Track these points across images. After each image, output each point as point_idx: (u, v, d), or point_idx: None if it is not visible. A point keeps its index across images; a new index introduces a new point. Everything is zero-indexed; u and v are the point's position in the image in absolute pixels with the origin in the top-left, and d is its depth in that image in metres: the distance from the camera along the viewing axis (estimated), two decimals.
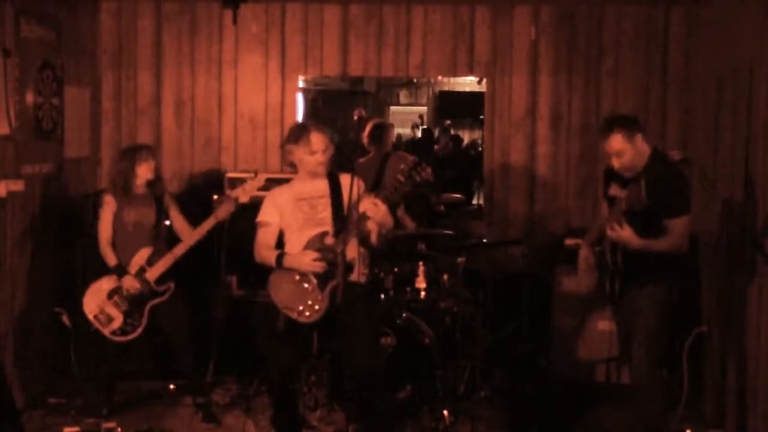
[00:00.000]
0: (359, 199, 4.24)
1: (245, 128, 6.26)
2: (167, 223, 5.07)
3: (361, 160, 6.10)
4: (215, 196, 5.49)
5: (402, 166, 4.21)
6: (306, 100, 10.94)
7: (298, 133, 4.36)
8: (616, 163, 4.14)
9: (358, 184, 4.33)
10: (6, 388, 3.88)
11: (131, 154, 4.99)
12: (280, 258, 4.28)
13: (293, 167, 4.49)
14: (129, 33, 6.20)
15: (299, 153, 4.34)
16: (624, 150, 4.08)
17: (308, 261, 4.22)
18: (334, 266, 4.17)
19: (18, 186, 4.91)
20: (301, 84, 6.59)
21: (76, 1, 5.82)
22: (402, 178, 4.14)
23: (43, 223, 5.31)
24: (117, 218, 4.95)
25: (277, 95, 6.25)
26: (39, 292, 5.28)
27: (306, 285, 4.23)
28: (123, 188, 4.93)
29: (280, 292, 4.28)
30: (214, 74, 6.23)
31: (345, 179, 4.31)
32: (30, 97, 5.16)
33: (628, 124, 4.12)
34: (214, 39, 6.20)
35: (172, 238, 5.03)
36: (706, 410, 5.07)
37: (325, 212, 4.31)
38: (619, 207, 4.02)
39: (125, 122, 6.24)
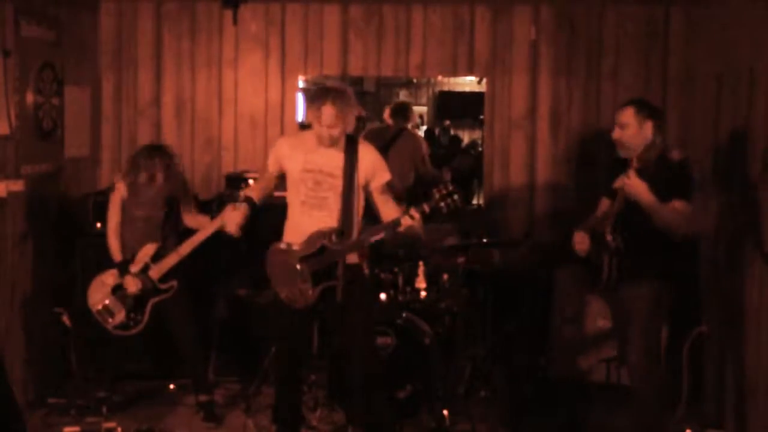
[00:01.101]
0: (371, 172, 4.23)
1: (245, 128, 6.26)
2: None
3: (376, 127, 6.17)
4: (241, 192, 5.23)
5: (434, 192, 3.94)
6: (306, 100, 10.94)
7: (314, 97, 4.15)
8: (617, 133, 4.24)
9: (375, 157, 4.29)
10: (7, 387, 3.88)
11: (151, 157, 4.93)
12: (246, 200, 4.23)
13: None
14: (129, 33, 6.20)
15: (311, 117, 4.18)
16: (629, 124, 4.19)
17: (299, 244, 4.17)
18: (331, 269, 4.15)
19: (18, 186, 4.92)
20: (301, 84, 6.59)
21: (76, 1, 5.82)
22: (427, 209, 3.94)
23: (43, 223, 5.32)
24: (126, 208, 4.93)
25: (277, 95, 6.25)
26: (39, 292, 5.28)
27: (300, 277, 4.16)
28: (134, 185, 4.92)
29: (276, 269, 4.26)
30: (214, 74, 6.23)
31: (362, 149, 4.19)
32: (30, 97, 5.16)
33: (646, 106, 4.23)
34: (214, 39, 6.20)
35: (181, 233, 5.02)
36: (706, 410, 5.07)
37: (329, 193, 4.19)
38: (632, 165, 4.07)
39: (125, 122, 6.24)
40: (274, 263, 4.28)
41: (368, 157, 4.28)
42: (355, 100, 4.21)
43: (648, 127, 4.19)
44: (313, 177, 4.22)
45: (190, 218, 5.05)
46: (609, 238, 4.15)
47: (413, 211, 3.95)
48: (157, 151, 4.98)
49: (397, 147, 6.02)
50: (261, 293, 5.42)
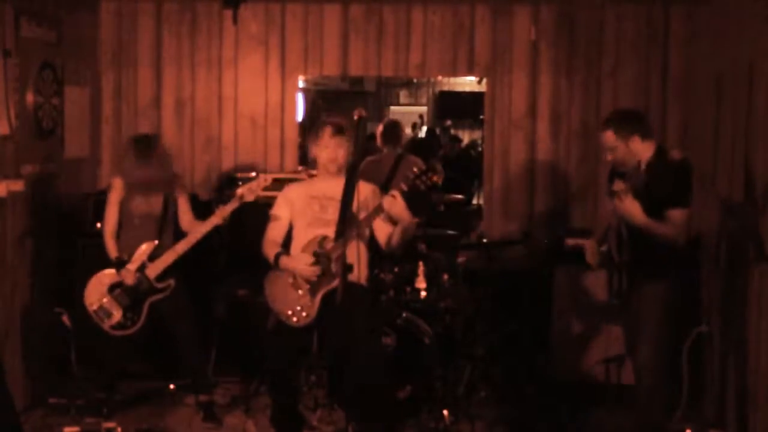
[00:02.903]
0: (369, 203, 4.24)
1: (245, 128, 6.26)
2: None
3: (371, 158, 6.12)
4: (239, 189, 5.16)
5: (407, 173, 4.12)
6: (306, 100, 10.93)
7: (315, 128, 4.38)
8: (609, 157, 4.25)
9: (374, 190, 4.36)
10: (5, 387, 3.87)
11: (136, 148, 4.93)
12: (277, 257, 4.29)
13: (315, 164, 4.49)
14: (129, 33, 6.20)
15: (315, 148, 4.36)
16: (616, 147, 4.19)
17: (303, 266, 4.22)
18: (328, 273, 4.17)
19: (18, 186, 4.92)
20: (301, 84, 6.59)
21: (76, 1, 5.82)
22: (405, 187, 4.08)
23: (43, 223, 5.31)
24: (124, 207, 4.92)
25: (277, 95, 6.25)
26: (39, 292, 5.27)
27: (298, 289, 4.24)
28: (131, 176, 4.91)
29: (273, 291, 4.30)
30: (214, 74, 6.22)
31: (363, 187, 4.22)
32: (30, 97, 5.16)
33: (624, 124, 4.18)
34: (214, 39, 6.20)
35: (178, 232, 4.99)
36: (706, 410, 5.07)
37: (333, 216, 4.26)
38: (626, 184, 4.02)
39: (125, 122, 6.24)
40: (272, 286, 4.32)
41: (367, 188, 4.33)
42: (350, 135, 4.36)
43: (635, 141, 4.16)
44: (319, 202, 4.33)
45: (187, 222, 5.03)
46: (614, 254, 4.16)
47: (393, 192, 4.09)
48: (145, 139, 5.02)
49: (398, 178, 5.97)
50: (261, 292, 5.42)
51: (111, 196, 4.93)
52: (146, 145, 4.92)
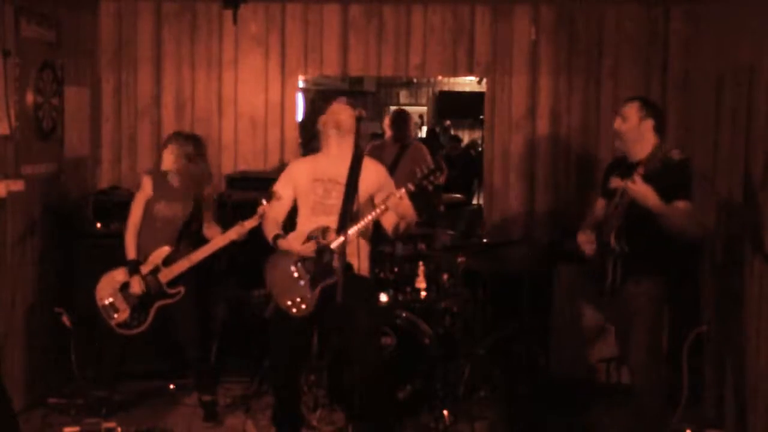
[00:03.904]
0: (375, 184, 4.25)
1: (245, 128, 6.26)
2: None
3: (377, 142, 6.13)
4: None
5: (416, 171, 4.10)
6: (306, 100, 10.93)
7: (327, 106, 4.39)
8: (617, 123, 4.25)
9: (378, 170, 4.34)
10: (3, 389, 3.87)
11: (167, 139, 4.97)
12: (276, 239, 4.27)
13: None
14: (129, 33, 6.20)
15: (321, 124, 4.35)
16: (630, 117, 4.19)
17: (297, 245, 4.20)
18: (327, 267, 4.15)
19: (18, 186, 4.91)
20: (301, 84, 6.59)
21: (76, 1, 5.82)
22: (412, 187, 4.06)
23: (43, 223, 5.32)
24: (147, 208, 4.91)
25: (277, 95, 6.25)
26: (39, 292, 5.28)
27: (299, 279, 4.21)
28: (158, 172, 4.92)
29: (273, 277, 4.28)
30: (214, 74, 6.23)
31: (368, 164, 4.24)
32: (30, 97, 5.16)
33: (649, 105, 4.23)
34: (214, 39, 6.21)
35: (199, 239, 4.98)
36: (706, 410, 5.07)
37: (337, 201, 4.23)
38: (639, 170, 3.99)
39: (125, 122, 6.24)
40: (273, 271, 4.29)
41: (373, 169, 4.33)
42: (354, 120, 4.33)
43: (647, 126, 4.18)
44: (323, 185, 4.28)
45: (208, 228, 5.02)
46: (613, 242, 4.14)
47: (400, 193, 4.08)
48: (189, 138, 5.01)
49: (403, 164, 6.00)
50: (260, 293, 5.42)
51: (138, 195, 4.93)
52: (198, 143, 4.99)
